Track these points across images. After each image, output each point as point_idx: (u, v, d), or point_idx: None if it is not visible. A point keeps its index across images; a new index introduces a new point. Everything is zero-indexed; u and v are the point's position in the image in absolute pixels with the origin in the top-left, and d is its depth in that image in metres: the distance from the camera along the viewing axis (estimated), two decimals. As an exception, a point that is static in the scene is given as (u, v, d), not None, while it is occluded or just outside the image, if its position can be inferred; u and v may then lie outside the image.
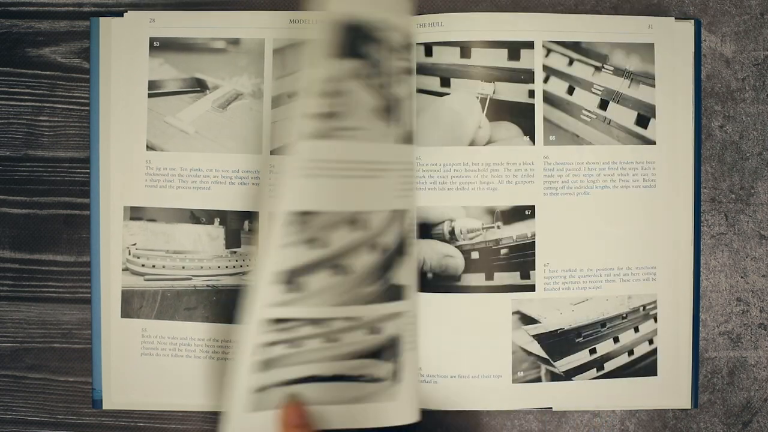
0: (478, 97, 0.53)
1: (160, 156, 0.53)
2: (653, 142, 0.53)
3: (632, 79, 0.53)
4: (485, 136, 0.53)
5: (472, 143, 0.53)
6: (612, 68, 0.53)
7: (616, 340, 0.53)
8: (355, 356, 0.47)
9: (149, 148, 0.53)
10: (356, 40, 0.46)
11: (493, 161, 0.53)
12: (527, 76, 0.53)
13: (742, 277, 0.54)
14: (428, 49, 0.53)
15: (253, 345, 0.45)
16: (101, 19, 0.53)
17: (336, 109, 0.45)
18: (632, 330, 0.53)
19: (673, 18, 0.53)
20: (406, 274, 0.48)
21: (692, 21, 0.54)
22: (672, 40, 0.53)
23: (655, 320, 0.53)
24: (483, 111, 0.53)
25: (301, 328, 0.46)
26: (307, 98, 0.45)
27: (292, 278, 0.45)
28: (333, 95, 0.45)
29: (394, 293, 0.48)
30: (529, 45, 0.53)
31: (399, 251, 0.48)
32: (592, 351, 0.53)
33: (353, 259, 0.46)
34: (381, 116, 0.47)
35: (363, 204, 0.46)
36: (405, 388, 0.48)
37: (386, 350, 0.48)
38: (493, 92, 0.53)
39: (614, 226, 0.53)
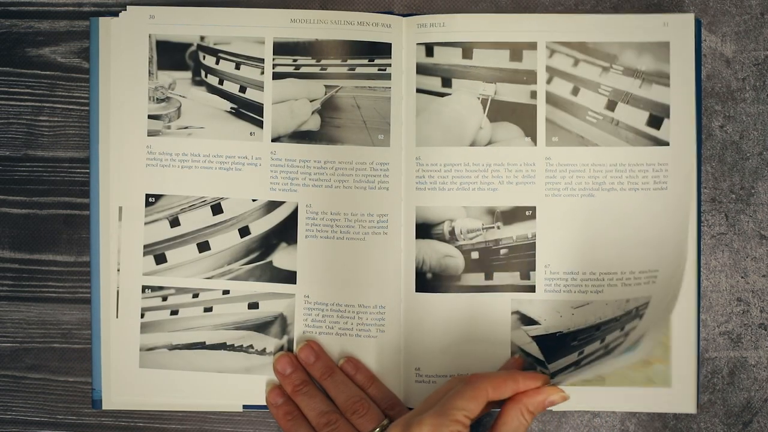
0: (479, 98, 0.53)
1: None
2: (666, 143, 0.52)
3: (644, 78, 0.52)
4: (486, 136, 0.53)
5: (473, 144, 0.53)
6: (621, 68, 0.52)
7: (602, 341, 0.51)
8: (237, 327, 0.53)
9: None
10: None
11: (494, 162, 0.53)
12: (529, 77, 0.53)
13: (742, 277, 0.54)
14: (429, 49, 0.53)
15: (136, 308, 0.53)
16: (101, 18, 0.53)
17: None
18: (619, 330, 0.50)
19: (691, 14, 0.52)
20: (288, 261, 0.53)
21: (692, 21, 0.53)
22: (688, 37, 0.52)
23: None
24: (484, 112, 0.53)
25: (175, 296, 0.53)
26: None
27: (158, 251, 0.53)
28: None
29: (274, 275, 0.53)
30: (532, 46, 0.53)
31: (279, 238, 0.53)
32: (580, 353, 0.51)
33: (213, 238, 0.53)
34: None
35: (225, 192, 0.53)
36: None
37: (271, 326, 0.53)
38: (495, 93, 0.53)
39: (621, 229, 0.52)
